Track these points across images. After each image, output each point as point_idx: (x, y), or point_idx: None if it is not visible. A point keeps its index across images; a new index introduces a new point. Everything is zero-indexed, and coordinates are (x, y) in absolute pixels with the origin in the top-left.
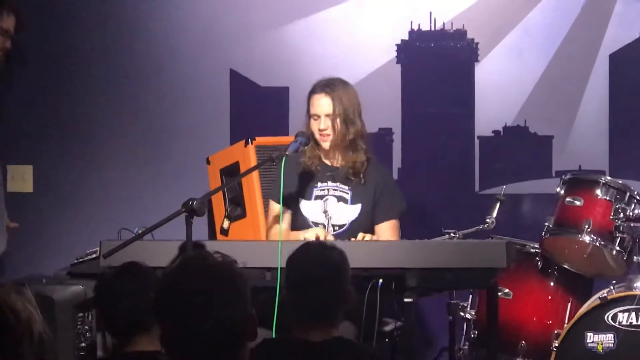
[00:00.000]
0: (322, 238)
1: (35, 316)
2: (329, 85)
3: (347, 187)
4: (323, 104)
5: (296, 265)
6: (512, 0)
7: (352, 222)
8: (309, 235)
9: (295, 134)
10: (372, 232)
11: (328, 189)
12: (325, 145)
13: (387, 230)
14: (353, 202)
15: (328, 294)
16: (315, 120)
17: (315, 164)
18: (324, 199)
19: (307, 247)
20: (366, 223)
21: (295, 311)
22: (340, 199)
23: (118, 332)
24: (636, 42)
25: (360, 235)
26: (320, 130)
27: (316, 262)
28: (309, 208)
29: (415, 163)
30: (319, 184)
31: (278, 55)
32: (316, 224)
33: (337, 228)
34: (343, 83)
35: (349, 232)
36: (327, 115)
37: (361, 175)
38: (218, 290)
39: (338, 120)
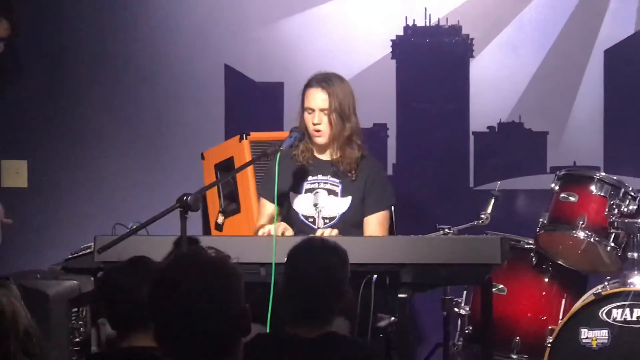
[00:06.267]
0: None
1: (20, 311)
2: (325, 80)
3: (337, 180)
4: (318, 98)
5: (295, 262)
6: None
7: (342, 215)
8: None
9: (289, 129)
10: (362, 224)
11: (319, 182)
12: (320, 140)
13: (375, 222)
14: (343, 194)
15: (324, 294)
16: (309, 114)
17: (307, 158)
18: (314, 192)
19: (309, 245)
20: (356, 216)
21: (290, 306)
22: (330, 192)
23: (120, 326)
24: (631, 38)
25: (319, 232)
26: (313, 124)
27: (316, 262)
28: (299, 202)
29: (410, 159)
30: (310, 178)
31: (273, 50)
32: (306, 218)
33: (327, 221)
34: (339, 78)
35: (338, 225)
36: (322, 110)
37: (353, 172)
38: (211, 285)
39: (334, 116)
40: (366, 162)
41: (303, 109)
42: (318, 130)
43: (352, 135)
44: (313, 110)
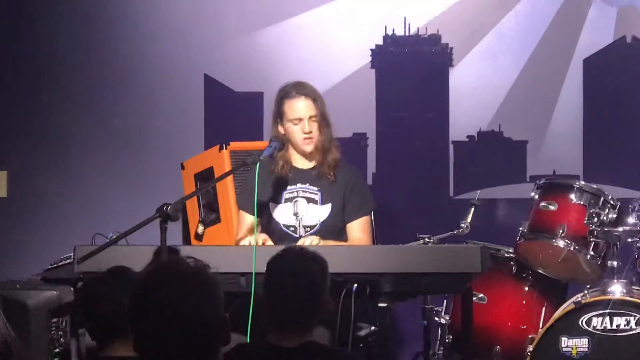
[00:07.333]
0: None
1: None
2: (304, 87)
3: (316, 188)
4: (304, 106)
5: (275, 272)
6: (487, 5)
7: (323, 222)
8: (245, 242)
9: (269, 139)
10: (343, 231)
11: (297, 191)
12: (309, 148)
13: (358, 228)
14: (323, 202)
15: (304, 303)
16: (295, 124)
17: (286, 169)
18: (293, 201)
19: (289, 254)
20: (337, 222)
21: (270, 316)
22: (310, 200)
23: (100, 336)
24: (610, 47)
25: (300, 241)
26: (305, 133)
27: (295, 271)
28: (279, 211)
29: (390, 168)
30: (289, 187)
31: (252, 60)
32: (287, 227)
33: (308, 229)
34: (310, 84)
35: (320, 232)
36: (311, 117)
37: (332, 174)
38: (190, 295)
39: (321, 122)
40: (344, 167)
41: (280, 120)
42: (309, 138)
43: (332, 138)
44: (301, 119)
